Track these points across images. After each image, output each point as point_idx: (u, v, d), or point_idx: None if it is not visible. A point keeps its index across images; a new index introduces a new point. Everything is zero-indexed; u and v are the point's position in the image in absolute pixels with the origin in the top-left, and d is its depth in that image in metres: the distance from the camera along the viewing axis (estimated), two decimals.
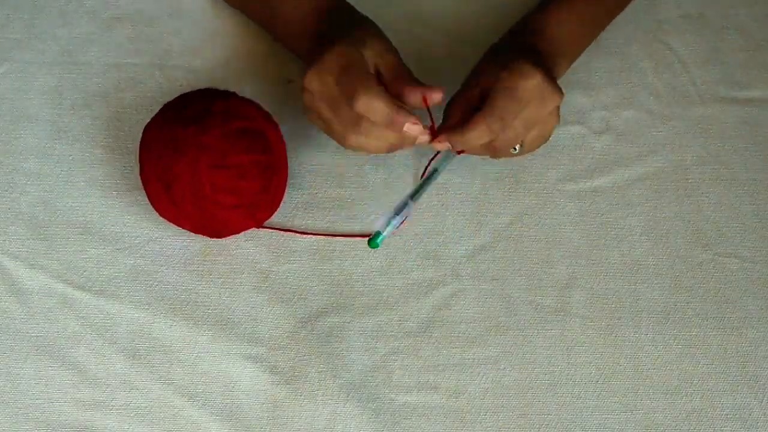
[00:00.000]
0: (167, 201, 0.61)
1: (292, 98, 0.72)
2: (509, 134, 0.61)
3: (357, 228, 0.67)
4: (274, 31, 0.71)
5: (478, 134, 0.60)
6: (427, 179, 0.63)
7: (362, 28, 0.64)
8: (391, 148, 0.62)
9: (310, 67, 0.60)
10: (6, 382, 0.62)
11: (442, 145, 0.61)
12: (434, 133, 0.61)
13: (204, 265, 0.66)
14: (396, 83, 0.61)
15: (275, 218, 0.67)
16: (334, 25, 0.65)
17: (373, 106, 0.58)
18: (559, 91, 0.61)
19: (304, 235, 0.67)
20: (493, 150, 0.63)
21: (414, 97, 0.60)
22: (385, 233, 0.58)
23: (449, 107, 0.63)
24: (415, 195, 0.61)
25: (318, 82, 0.60)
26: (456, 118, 0.62)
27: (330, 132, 0.62)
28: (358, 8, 0.74)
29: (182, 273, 0.66)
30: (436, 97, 0.60)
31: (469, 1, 0.76)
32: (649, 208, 0.69)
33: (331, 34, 0.63)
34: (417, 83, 0.61)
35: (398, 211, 0.60)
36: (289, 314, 0.65)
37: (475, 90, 0.62)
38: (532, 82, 0.60)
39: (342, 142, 0.62)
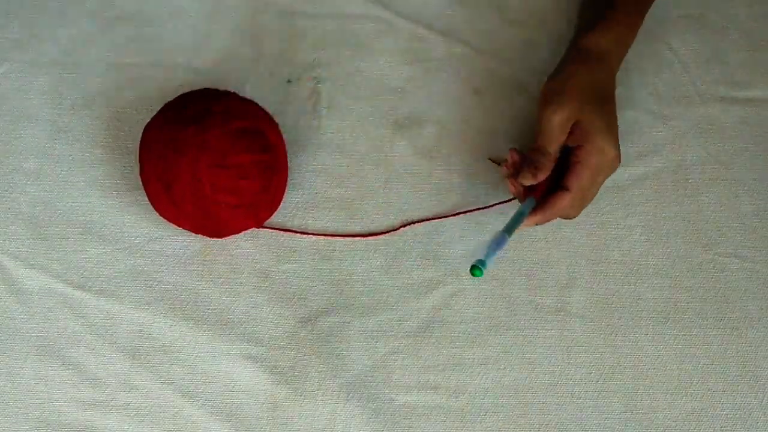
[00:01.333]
0: (167, 201, 0.61)
1: (292, 98, 0.72)
2: (584, 206, 0.64)
3: (357, 228, 0.67)
4: None
5: (560, 212, 0.63)
6: (519, 216, 0.62)
7: None
8: None
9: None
10: (6, 382, 0.62)
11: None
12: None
13: (204, 265, 0.66)
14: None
15: (275, 218, 0.67)
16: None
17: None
18: (620, 158, 0.63)
19: (304, 235, 0.67)
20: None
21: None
22: (489, 261, 0.58)
23: (535, 157, 0.63)
24: (510, 230, 0.61)
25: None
26: (541, 178, 0.62)
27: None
28: (358, 9, 0.75)
29: (182, 273, 0.66)
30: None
31: (469, 2, 0.76)
32: (649, 208, 0.69)
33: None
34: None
35: (498, 244, 0.59)
36: (289, 314, 0.65)
37: (555, 140, 0.63)
38: (614, 164, 0.63)
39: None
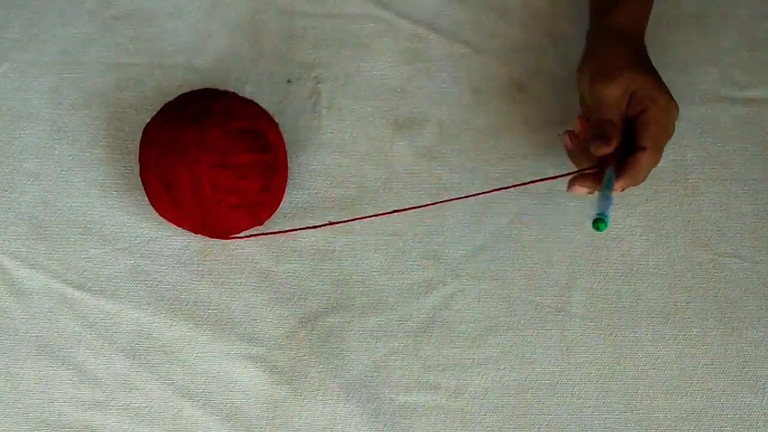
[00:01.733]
0: (167, 201, 0.61)
1: (292, 98, 0.72)
2: (653, 167, 0.64)
3: (357, 228, 0.67)
4: None
5: (641, 171, 0.62)
6: (609, 181, 0.62)
7: None
8: None
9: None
10: (6, 382, 0.62)
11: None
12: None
13: (204, 265, 0.66)
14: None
15: (275, 218, 0.67)
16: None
17: None
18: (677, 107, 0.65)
19: (306, 233, 0.67)
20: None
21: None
22: (609, 213, 0.58)
23: (603, 128, 0.63)
24: (610, 190, 0.61)
25: None
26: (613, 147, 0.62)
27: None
28: (358, 9, 0.75)
29: (182, 273, 0.66)
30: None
31: (469, 2, 0.76)
32: (649, 208, 0.69)
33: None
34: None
35: (607, 199, 0.59)
36: (289, 314, 0.65)
37: (618, 111, 0.63)
38: (674, 113, 0.63)
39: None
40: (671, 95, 0.63)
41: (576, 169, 0.65)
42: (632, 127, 0.63)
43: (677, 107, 0.63)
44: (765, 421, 0.62)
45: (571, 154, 0.65)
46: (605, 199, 0.59)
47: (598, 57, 0.65)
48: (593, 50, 0.66)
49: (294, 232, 0.67)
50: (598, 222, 0.57)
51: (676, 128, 0.71)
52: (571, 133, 0.64)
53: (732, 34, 0.75)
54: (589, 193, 0.63)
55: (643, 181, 0.63)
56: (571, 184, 0.63)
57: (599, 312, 0.65)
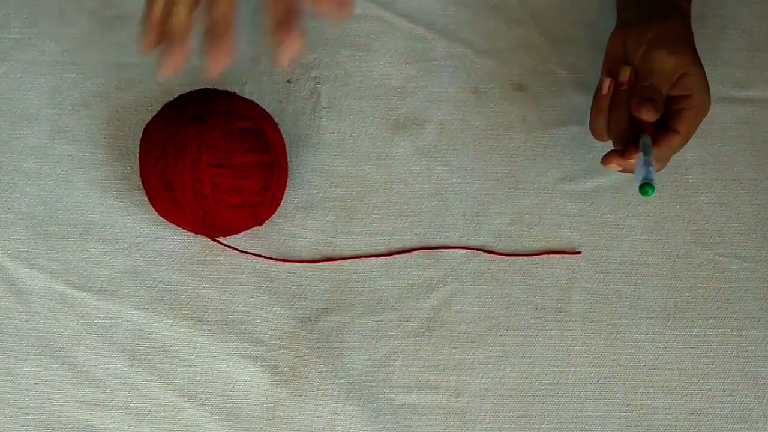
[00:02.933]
0: (167, 201, 0.61)
1: (292, 98, 0.72)
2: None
3: (357, 228, 0.67)
4: None
5: (669, 153, 0.63)
6: (646, 147, 0.61)
7: None
8: None
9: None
10: (6, 382, 0.62)
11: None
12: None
13: (204, 265, 0.66)
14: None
15: (275, 218, 0.67)
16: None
17: None
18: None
19: (308, 230, 0.67)
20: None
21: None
22: (654, 178, 0.58)
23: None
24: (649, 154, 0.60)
25: None
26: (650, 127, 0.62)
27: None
28: (358, 8, 0.75)
29: (182, 273, 0.66)
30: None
31: (469, 2, 0.76)
32: (649, 208, 0.69)
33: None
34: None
35: (648, 163, 0.59)
36: (289, 314, 0.65)
37: (665, 85, 0.63)
38: (708, 108, 0.64)
39: None
40: (710, 93, 0.64)
41: (589, 128, 0.65)
42: (667, 107, 0.63)
43: (709, 104, 0.64)
44: (765, 421, 0.62)
45: (597, 107, 0.64)
46: (648, 164, 0.59)
47: (663, 26, 0.64)
48: (655, 18, 0.65)
49: (294, 232, 0.67)
50: (646, 186, 0.57)
51: None
52: (612, 80, 0.64)
53: (732, 34, 0.75)
54: (620, 170, 0.63)
55: (664, 166, 0.64)
56: (608, 159, 0.63)
57: (599, 312, 0.65)
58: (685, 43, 0.64)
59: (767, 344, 0.65)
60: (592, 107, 0.64)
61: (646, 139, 0.61)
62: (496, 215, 0.68)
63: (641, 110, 0.61)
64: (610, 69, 0.65)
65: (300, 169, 0.69)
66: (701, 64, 0.64)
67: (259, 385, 0.63)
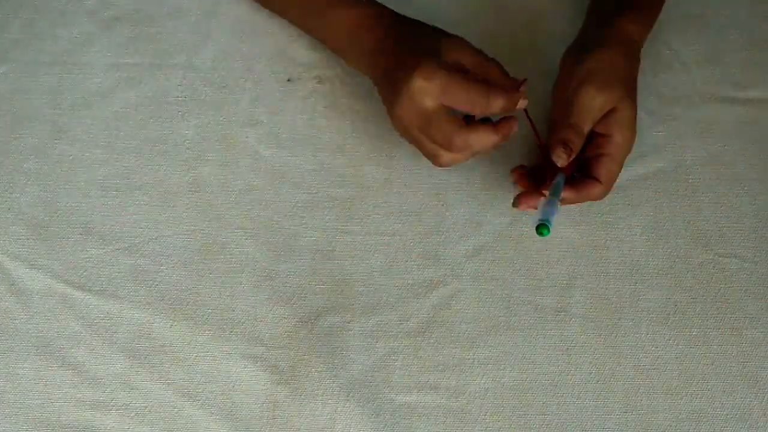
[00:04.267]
0: None
1: (292, 97, 0.72)
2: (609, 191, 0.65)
3: (356, 228, 0.67)
4: (321, 38, 0.71)
5: (589, 199, 0.64)
6: (557, 186, 0.62)
7: (427, 36, 0.63)
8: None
9: (397, 101, 0.60)
10: (6, 382, 0.62)
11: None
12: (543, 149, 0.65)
13: (204, 264, 0.66)
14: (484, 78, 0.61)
15: (275, 218, 0.67)
16: (395, 37, 0.63)
17: (471, 143, 0.60)
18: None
19: (308, 230, 0.67)
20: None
21: (500, 105, 0.60)
22: (553, 219, 0.58)
23: (560, 136, 0.63)
24: (556, 195, 0.61)
25: (407, 115, 0.60)
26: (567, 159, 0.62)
27: (421, 150, 0.63)
28: None
29: (182, 273, 0.66)
30: (521, 105, 0.61)
31: (469, 2, 0.76)
32: (649, 208, 0.69)
33: (397, 50, 0.62)
34: (503, 79, 0.62)
35: (552, 205, 0.60)
36: (289, 314, 0.65)
37: (588, 122, 0.63)
38: (630, 149, 0.64)
39: (434, 161, 0.63)
40: (635, 129, 0.64)
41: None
42: (589, 145, 0.63)
43: (633, 141, 0.64)
44: (765, 421, 0.62)
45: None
46: (551, 204, 0.60)
47: (598, 59, 0.64)
48: (592, 49, 0.65)
49: (294, 232, 0.67)
50: (541, 227, 0.57)
51: (675, 128, 0.72)
52: (521, 173, 0.65)
53: (732, 34, 0.75)
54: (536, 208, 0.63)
55: (601, 199, 0.65)
56: (519, 201, 0.64)
57: (599, 312, 0.65)
58: (617, 78, 0.63)
59: (767, 344, 0.65)
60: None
61: (559, 179, 0.62)
62: (496, 215, 0.68)
63: (554, 153, 0.62)
64: (555, 100, 0.66)
65: (300, 169, 0.69)
66: (633, 99, 0.64)
67: (259, 385, 0.63)
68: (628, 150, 0.64)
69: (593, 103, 0.62)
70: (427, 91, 0.58)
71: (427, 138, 0.61)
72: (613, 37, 0.66)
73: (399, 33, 0.63)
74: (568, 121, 0.62)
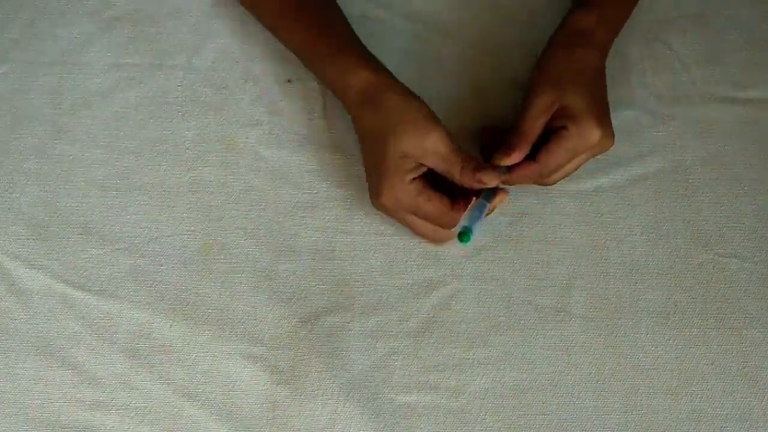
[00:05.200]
0: None
1: (292, 98, 0.72)
2: (559, 176, 0.65)
3: (356, 228, 0.67)
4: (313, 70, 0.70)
5: (525, 180, 0.64)
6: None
7: (412, 118, 0.63)
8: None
9: (382, 190, 0.62)
10: (6, 382, 0.62)
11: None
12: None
13: (204, 265, 0.66)
14: (452, 170, 0.61)
15: (275, 218, 0.67)
16: (384, 109, 0.64)
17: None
18: (612, 137, 0.64)
19: (308, 230, 0.67)
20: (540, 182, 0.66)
21: (471, 181, 0.61)
22: (476, 226, 0.59)
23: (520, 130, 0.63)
24: (488, 198, 0.62)
25: (386, 203, 0.63)
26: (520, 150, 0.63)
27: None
28: (358, 9, 0.75)
29: (182, 273, 0.66)
30: (491, 183, 0.61)
31: (469, 2, 0.76)
32: (649, 208, 0.69)
33: (379, 119, 0.63)
34: (468, 165, 0.61)
35: (479, 209, 0.60)
36: (289, 314, 0.65)
37: (537, 123, 0.63)
38: (602, 145, 0.63)
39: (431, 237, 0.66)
40: (600, 122, 0.63)
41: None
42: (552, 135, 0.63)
43: (607, 136, 0.63)
44: (765, 421, 0.62)
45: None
46: (479, 208, 0.60)
47: (540, 63, 0.66)
48: (543, 53, 0.67)
49: (294, 232, 0.67)
50: (462, 234, 0.58)
51: (675, 128, 0.72)
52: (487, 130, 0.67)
53: (732, 34, 0.75)
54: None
55: (550, 185, 0.66)
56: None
57: (599, 312, 0.65)
58: (560, 74, 0.64)
59: (767, 344, 0.65)
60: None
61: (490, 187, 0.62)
62: (496, 215, 0.68)
63: (494, 158, 0.62)
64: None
65: (300, 169, 0.69)
66: (585, 91, 0.63)
67: (259, 385, 0.63)
68: (580, 141, 0.62)
69: (533, 106, 0.63)
70: (400, 201, 0.62)
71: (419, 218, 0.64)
72: (560, 35, 0.67)
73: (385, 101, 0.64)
74: (514, 124, 0.64)
